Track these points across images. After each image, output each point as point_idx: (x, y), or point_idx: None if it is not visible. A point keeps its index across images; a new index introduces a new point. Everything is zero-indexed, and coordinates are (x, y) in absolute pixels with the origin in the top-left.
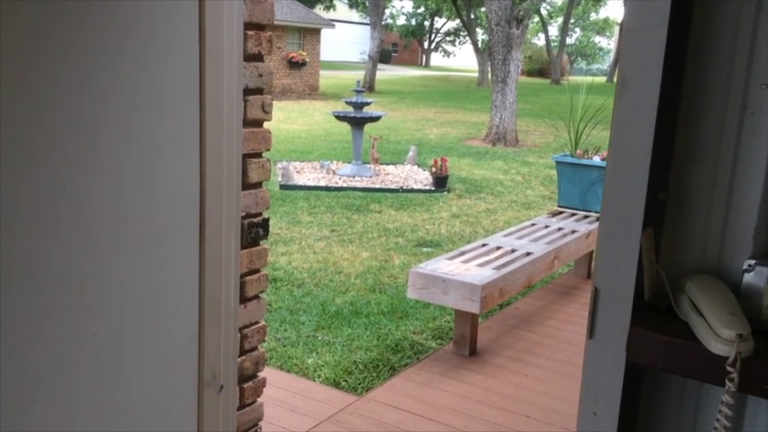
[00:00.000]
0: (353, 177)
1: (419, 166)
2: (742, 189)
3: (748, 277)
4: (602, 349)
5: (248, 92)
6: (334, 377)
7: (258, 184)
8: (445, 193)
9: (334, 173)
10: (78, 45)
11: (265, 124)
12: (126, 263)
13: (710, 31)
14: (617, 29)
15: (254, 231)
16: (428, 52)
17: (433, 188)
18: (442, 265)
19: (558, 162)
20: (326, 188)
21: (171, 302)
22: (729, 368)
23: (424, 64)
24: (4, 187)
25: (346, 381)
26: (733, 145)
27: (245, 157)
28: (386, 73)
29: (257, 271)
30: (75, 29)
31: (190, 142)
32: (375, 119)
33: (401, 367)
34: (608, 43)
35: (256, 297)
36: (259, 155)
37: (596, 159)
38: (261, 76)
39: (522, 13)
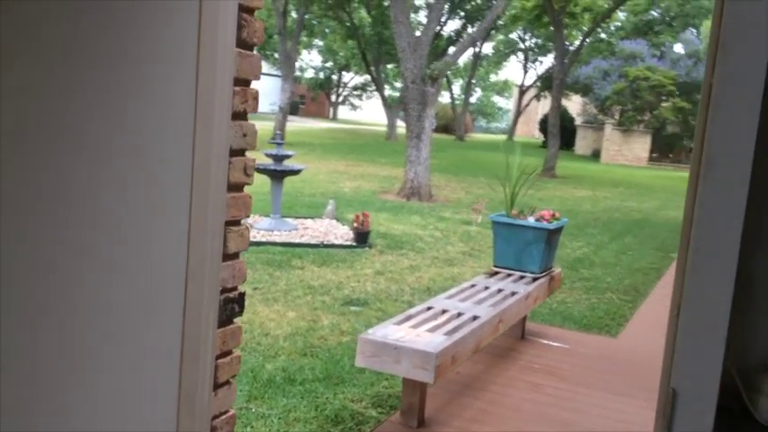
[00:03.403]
0: (272, 232)
1: (338, 220)
2: None
3: None
4: None
5: (232, 153)
6: None
7: (236, 255)
8: (367, 248)
9: (251, 226)
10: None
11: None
12: (107, 357)
13: None
14: (515, 89)
15: (230, 308)
16: (335, 105)
17: (354, 243)
18: (392, 331)
19: (494, 222)
20: None
21: (150, 396)
22: None
23: (331, 117)
24: None
25: None
26: None
27: (226, 224)
28: (294, 125)
29: (230, 353)
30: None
31: (179, 210)
32: (296, 172)
33: None
34: (506, 103)
35: (227, 383)
36: (238, 222)
37: (531, 220)
38: (245, 135)
39: (436, 72)
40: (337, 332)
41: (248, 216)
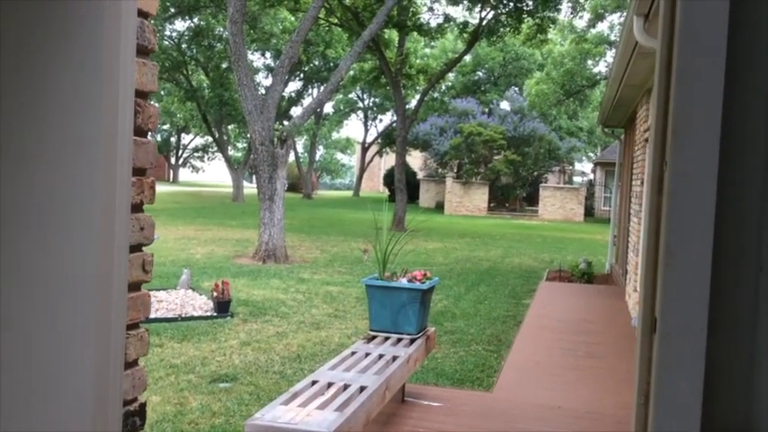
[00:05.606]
0: None
1: (194, 289)
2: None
3: None
4: None
5: (130, 249)
6: None
7: (135, 362)
8: (229, 318)
9: None
10: None
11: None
12: None
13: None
14: (358, 147)
15: (131, 422)
16: (176, 168)
17: (215, 314)
18: (280, 413)
19: (367, 286)
20: None
21: None
22: None
23: (171, 179)
24: None
25: None
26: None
27: (126, 329)
28: None
29: None
30: None
31: (84, 318)
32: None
33: None
34: (349, 160)
35: None
36: (137, 325)
37: (403, 281)
38: (142, 229)
39: (285, 133)
40: (208, 414)
41: (147, 317)
